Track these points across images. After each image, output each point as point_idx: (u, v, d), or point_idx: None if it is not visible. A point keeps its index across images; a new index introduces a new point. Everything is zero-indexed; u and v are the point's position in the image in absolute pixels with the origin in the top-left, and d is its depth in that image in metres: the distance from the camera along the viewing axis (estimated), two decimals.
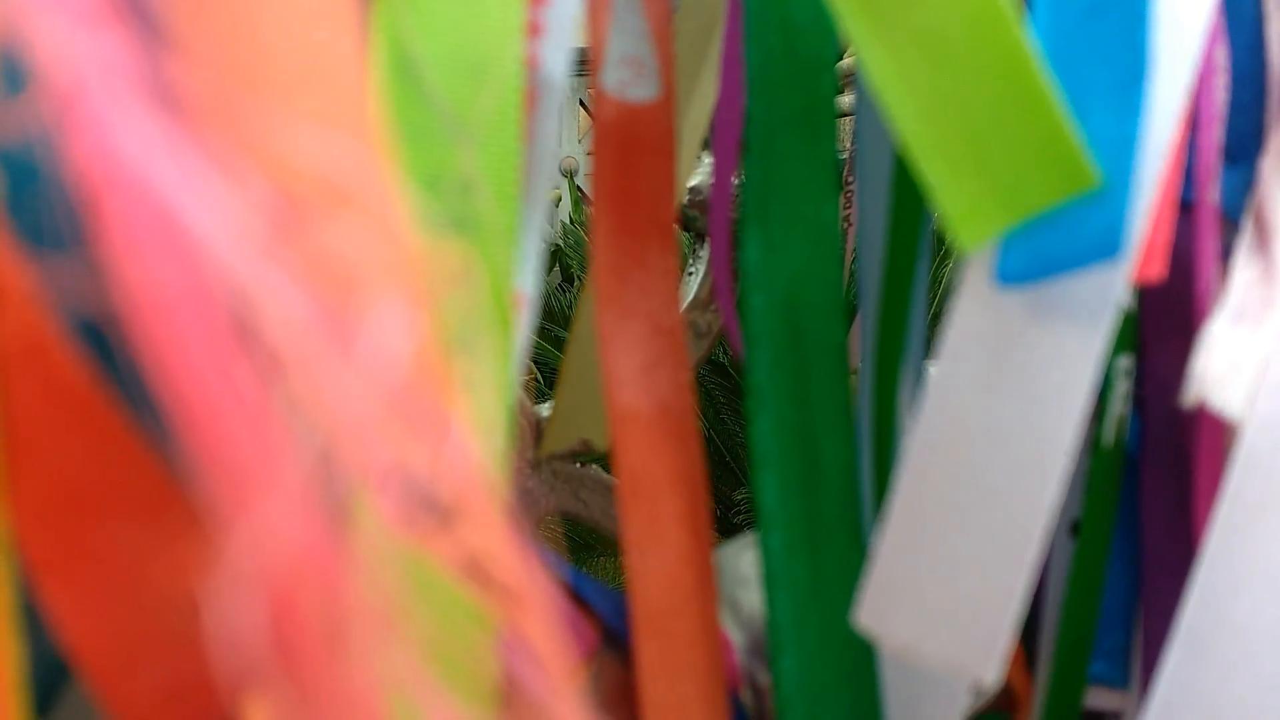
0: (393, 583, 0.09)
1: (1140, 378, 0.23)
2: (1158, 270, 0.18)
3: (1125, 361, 0.23)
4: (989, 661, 0.17)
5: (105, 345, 0.08)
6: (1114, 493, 0.23)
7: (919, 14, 0.15)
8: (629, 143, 0.22)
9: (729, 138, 0.24)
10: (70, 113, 0.08)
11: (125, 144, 0.08)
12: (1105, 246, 0.15)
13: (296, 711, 0.09)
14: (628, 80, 0.22)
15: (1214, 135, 0.22)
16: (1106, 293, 0.16)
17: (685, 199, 0.46)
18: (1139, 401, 0.23)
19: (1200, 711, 0.18)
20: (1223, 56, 0.22)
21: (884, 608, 0.17)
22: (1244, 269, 0.21)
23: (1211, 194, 0.22)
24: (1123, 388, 0.23)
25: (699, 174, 0.45)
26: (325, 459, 0.08)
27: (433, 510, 0.09)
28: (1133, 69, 0.15)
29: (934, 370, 0.17)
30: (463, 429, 0.08)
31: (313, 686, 0.09)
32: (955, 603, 0.17)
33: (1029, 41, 0.15)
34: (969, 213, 0.15)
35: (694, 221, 0.50)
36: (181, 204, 0.07)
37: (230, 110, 0.08)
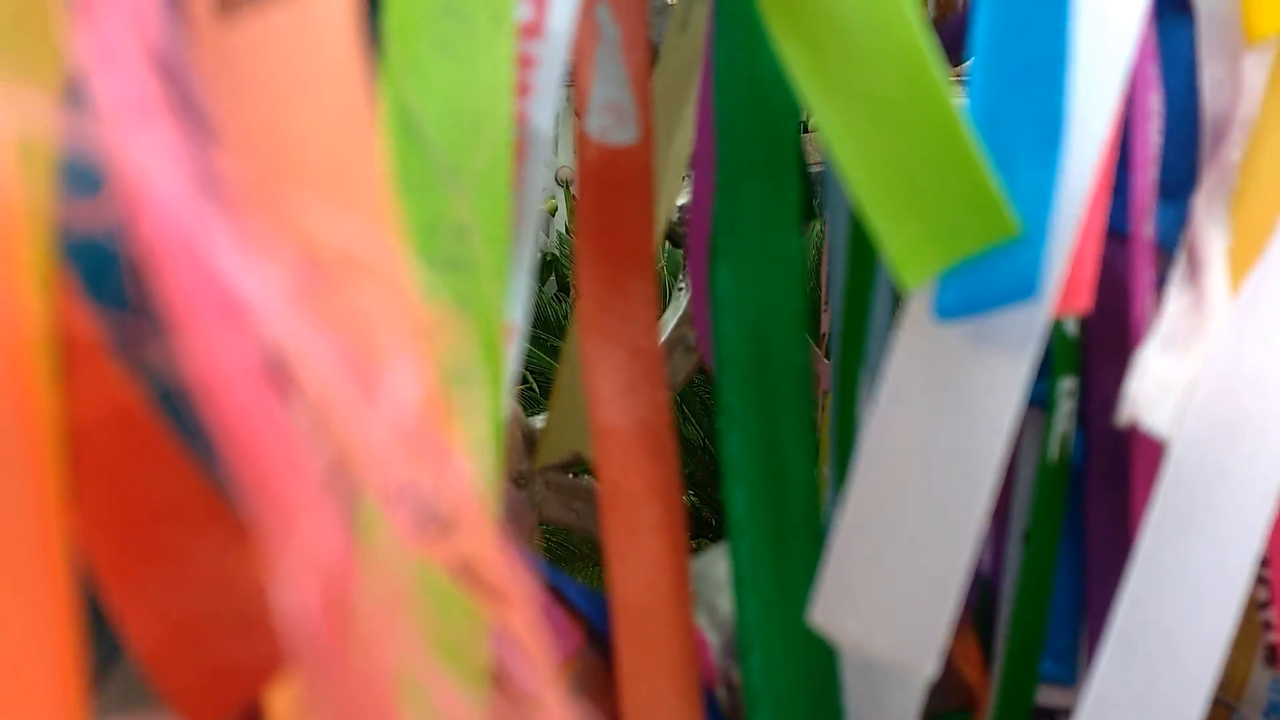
0: (401, 583, 0.11)
1: (1084, 398, 0.25)
2: (1082, 304, 0.19)
3: (1069, 383, 0.25)
4: (928, 655, 0.19)
5: (167, 391, 0.10)
6: (1060, 504, 0.25)
7: (864, 80, 0.17)
8: (610, 182, 0.24)
9: (704, 177, 0.26)
10: (136, 201, 0.10)
11: (182, 225, 0.09)
12: (1025, 287, 0.17)
13: (325, 688, 0.10)
14: (609, 125, 0.24)
15: (1148, 175, 0.24)
16: (1030, 325, 0.18)
17: (675, 217, 0.47)
18: (1083, 419, 0.25)
19: (1130, 707, 0.20)
20: (1157, 102, 0.24)
21: (836, 607, 0.19)
22: (1176, 299, 0.23)
23: (1146, 229, 0.24)
24: (1067, 407, 0.25)
25: (688, 193, 0.47)
26: (348, 483, 0.10)
27: (434, 523, 0.11)
28: (1051, 130, 0.17)
29: (879, 393, 0.19)
30: (460, 454, 0.10)
31: (339, 669, 0.10)
32: (898, 602, 0.19)
33: (958, 106, 0.17)
34: (907, 255, 0.17)
35: (684, 238, 0.52)
36: (230, 275, 0.09)
37: (266, 195, 0.10)
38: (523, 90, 0.19)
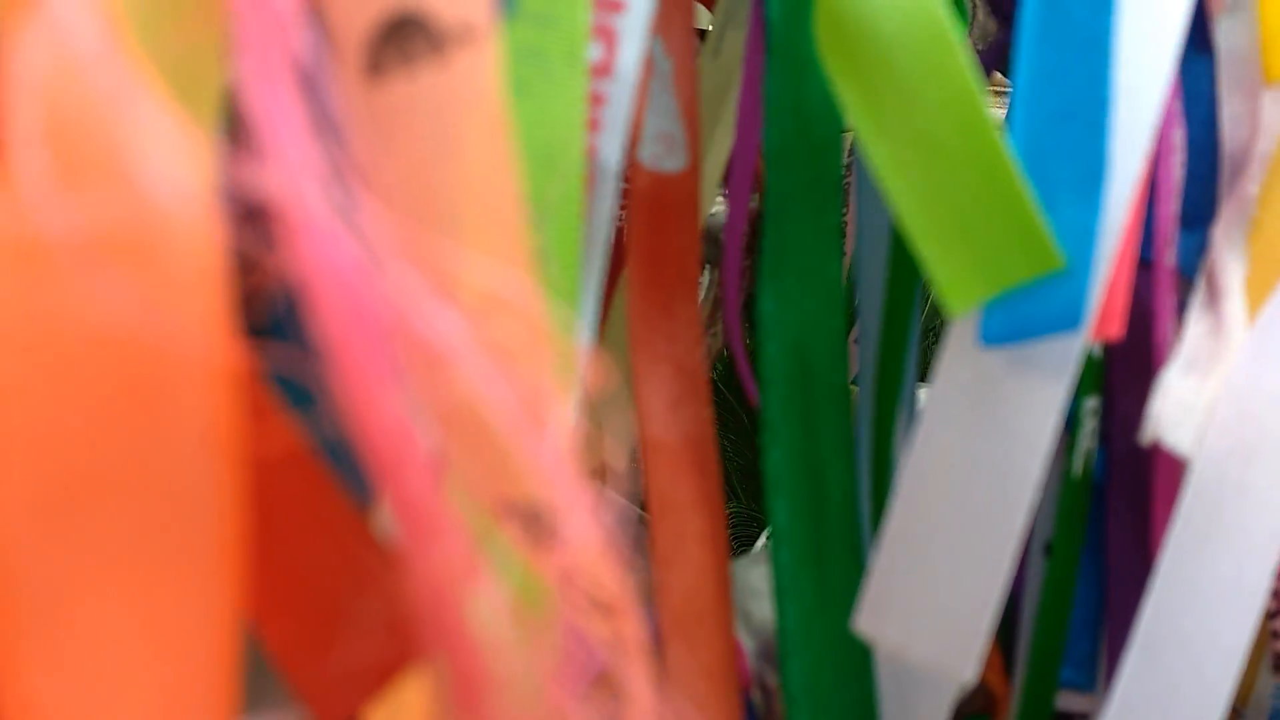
0: (512, 591, 0.12)
1: (1106, 417, 0.26)
2: (1115, 331, 0.21)
3: (1092, 403, 0.26)
4: (968, 662, 0.20)
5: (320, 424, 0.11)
6: (1083, 518, 0.26)
7: (918, 120, 0.18)
8: (660, 208, 0.25)
9: (740, 201, 0.28)
10: (306, 248, 0.11)
11: (353, 268, 0.11)
12: (1069, 318, 0.18)
13: (452, 685, 0.12)
14: (660, 154, 0.25)
15: (1171, 206, 0.25)
16: (1069, 351, 0.20)
17: None
18: (1105, 438, 0.27)
19: (1152, 713, 0.22)
20: (1180, 137, 0.25)
21: (880, 615, 0.21)
22: (1196, 324, 0.25)
23: (1169, 257, 0.25)
24: (1090, 425, 0.26)
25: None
26: (477, 501, 0.11)
27: (550, 534, 0.12)
28: (1093, 170, 0.18)
29: (923, 412, 0.20)
30: (583, 478, 0.11)
31: (466, 668, 0.12)
32: (940, 611, 0.20)
33: (1007, 146, 0.18)
34: (955, 284, 0.18)
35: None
36: (410, 313, 0.10)
37: (418, 242, 0.11)
38: (593, 126, 0.20)
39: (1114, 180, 0.19)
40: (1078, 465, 0.26)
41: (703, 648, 0.25)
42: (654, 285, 0.25)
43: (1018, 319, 0.18)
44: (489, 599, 0.12)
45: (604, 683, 0.13)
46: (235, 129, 0.11)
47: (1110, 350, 0.26)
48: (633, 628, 0.13)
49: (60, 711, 0.10)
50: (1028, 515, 0.20)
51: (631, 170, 0.25)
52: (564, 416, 0.11)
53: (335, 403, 0.11)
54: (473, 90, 0.11)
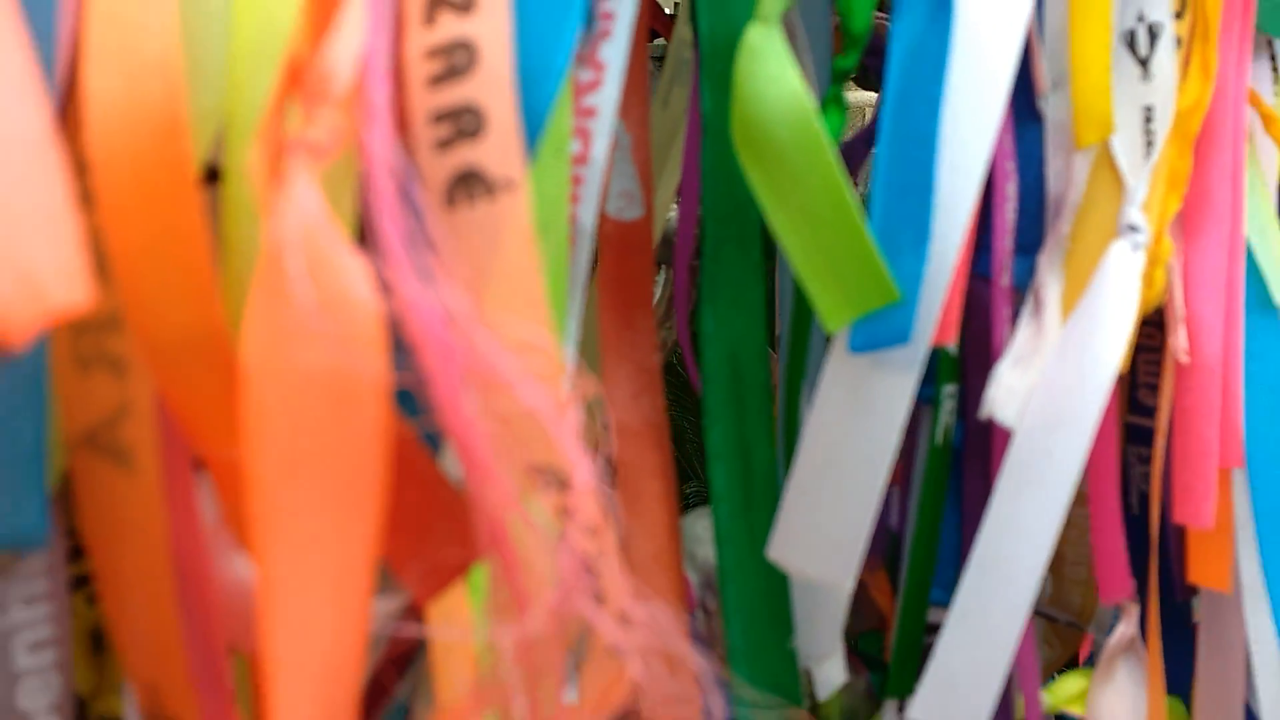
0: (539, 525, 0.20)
1: (962, 399, 0.35)
2: (950, 338, 0.29)
3: (950, 389, 0.34)
4: (847, 576, 0.28)
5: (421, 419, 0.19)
6: (945, 475, 0.34)
7: (799, 196, 0.26)
8: (623, 248, 0.33)
9: (688, 237, 0.36)
10: (413, 316, 0.18)
11: (448, 330, 0.18)
12: (902, 335, 0.26)
13: (504, 576, 0.19)
14: (623, 207, 0.33)
15: (1006, 241, 0.33)
16: (914, 354, 0.28)
17: None
18: (962, 415, 0.35)
19: (979, 613, 0.30)
20: (1013, 189, 0.33)
21: (786, 546, 0.29)
22: (1024, 328, 0.33)
23: (1005, 278, 0.33)
24: (949, 406, 0.34)
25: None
26: (528, 469, 0.19)
27: (563, 485, 0.20)
28: (922, 233, 0.26)
29: (815, 399, 0.29)
30: (584, 452, 0.19)
31: (512, 562, 0.19)
32: (827, 540, 0.28)
33: (862, 215, 0.26)
34: (829, 311, 0.26)
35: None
36: (476, 351, 0.18)
37: (480, 308, 0.19)
38: (574, 200, 0.27)
39: (946, 232, 0.27)
40: (939, 435, 0.34)
41: (657, 580, 0.33)
42: (618, 304, 0.33)
43: (871, 334, 0.27)
44: (523, 522, 0.20)
45: (593, 575, 0.21)
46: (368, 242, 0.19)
47: (964, 349, 0.34)
48: (611, 543, 0.21)
49: (285, 588, 0.18)
50: (887, 471, 0.28)
51: (601, 220, 0.32)
52: (572, 413, 0.18)
53: (432, 407, 0.19)
54: (512, 216, 0.19)
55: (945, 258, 0.28)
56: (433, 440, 0.20)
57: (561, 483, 0.20)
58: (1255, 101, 0.35)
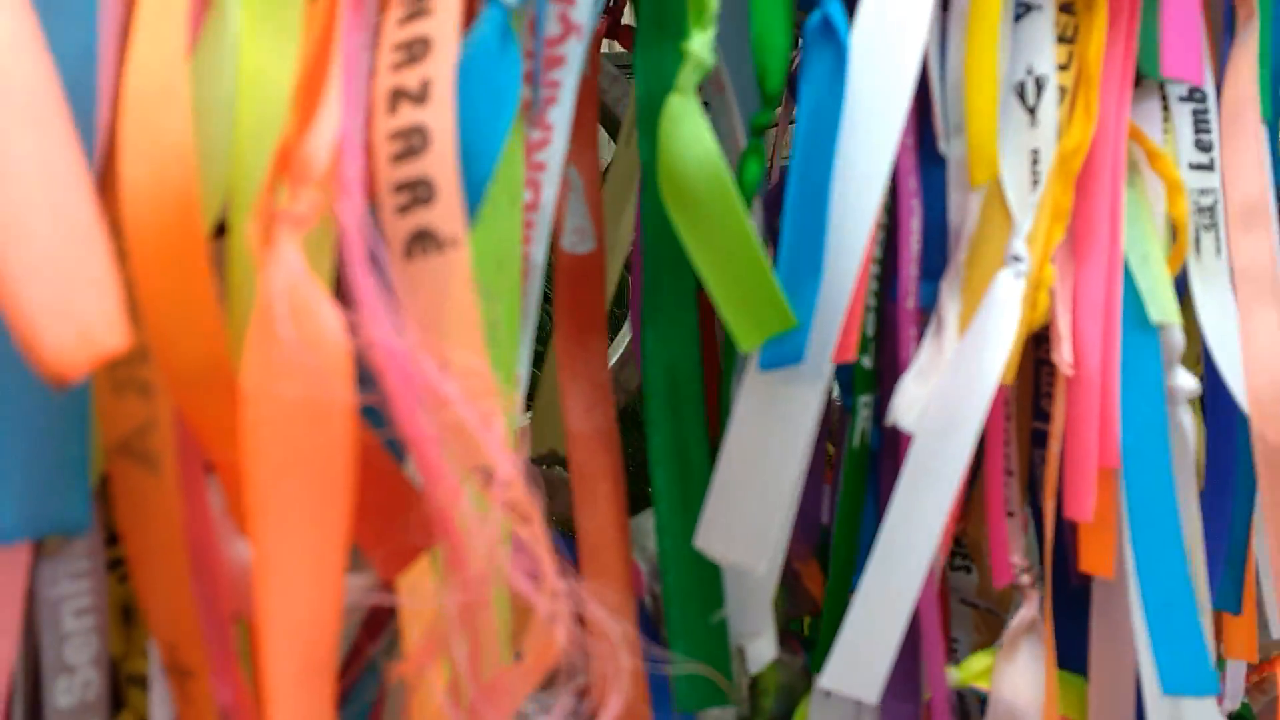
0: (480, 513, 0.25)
1: (877, 408, 0.39)
2: (849, 357, 0.33)
3: (866, 398, 0.39)
4: (762, 561, 0.33)
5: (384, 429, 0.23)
6: (863, 475, 0.39)
7: (714, 237, 0.31)
8: (576, 278, 0.37)
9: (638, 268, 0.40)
10: (379, 351, 0.23)
11: (406, 363, 0.23)
12: (797, 356, 0.31)
13: (452, 557, 0.24)
14: (576, 241, 0.37)
15: (911, 268, 0.38)
16: (819, 370, 0.32)
17: None
18: (878, 422, 0.40)
19: (879, 595, 0.35)
20: (917, 223, 0.38)
21: (709, 536, 0.33)
22: (927, 345, 0.38)
23: (910, 301, 0.38)
24: (865, 413, 0.39)
25: None
26: (464, 467, 0.24)
27: (503, 484, 0.25)
28: (815, 269, 0.31)
29: (734, 410, 0.33)
30: (512, 453, 0.24)
31: (459, 547, 0.24)
32: (745, 532, 0.33)
33: (766, 255, 0.31)
34: (741, 335, 0.31)
35: None
36: (427, 377, 0.23)
37: (432, 344, 0.24)
38: (527, 240, 0.32)
39: (843, 267, 0.32)
40: (857, 440, 0.39)
41: (608, 567, 0.37)
42: (573, 327, 0.38)
43: (775, 354, 0.31)
44: (466, 512, 0.25)
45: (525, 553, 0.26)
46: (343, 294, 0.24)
47: (877, 364, 0.39)
48: (541, 531, 0.25)
49: (274, 566, 0.23)
50: (798, 469, 0.33)
51: (558, 254, 0.37)
52: (504, 424, 0.23)
53: (394, 421, 0.23)
54: (457, 267, 0.24)
55: (842, 289, 0.33)
56: (395, 447, 0.25)
57: (494, 479, 0.25)
58: (1141, 139, 0.40)
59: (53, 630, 0.24)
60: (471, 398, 0.23)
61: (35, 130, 0.19)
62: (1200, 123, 0.42)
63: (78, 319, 0.19)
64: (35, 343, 0.18)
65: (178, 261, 0.21)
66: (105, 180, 0.23)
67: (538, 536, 0.25)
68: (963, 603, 0.47)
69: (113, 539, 0.25)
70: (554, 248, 0.38)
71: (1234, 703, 0.52)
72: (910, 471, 0.35)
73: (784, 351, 0.31)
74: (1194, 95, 0.42)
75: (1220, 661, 0.51)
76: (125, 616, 0.27)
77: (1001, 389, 0.37)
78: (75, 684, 0.24)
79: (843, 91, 0.32)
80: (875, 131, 0.33)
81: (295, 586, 0.23)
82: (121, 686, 0.27)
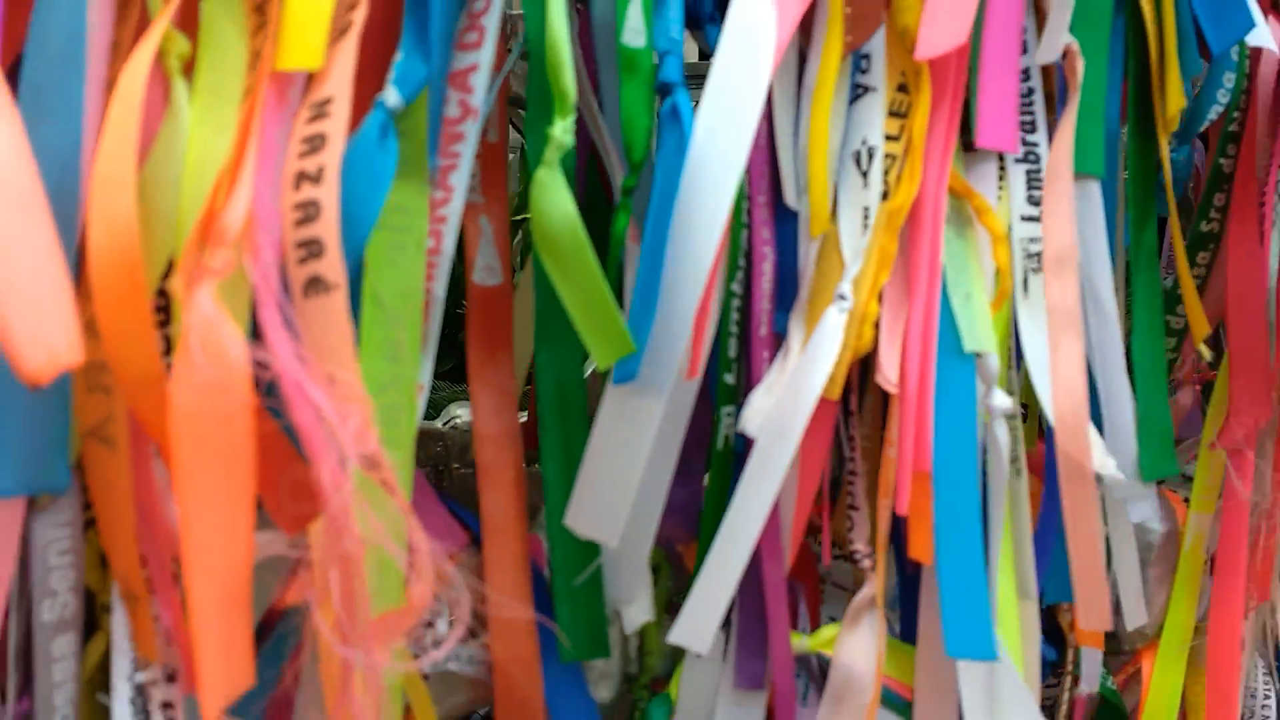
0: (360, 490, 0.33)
1: (739, 416, 0.47)
2: (695, 374, 0.41)
3: (729, 409, 0.47)
4: (614, 538, 0.41)
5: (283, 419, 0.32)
6: (727, 473, 0.47)
7: (571, 278, 0.39)
8: (485, 306, 0.46)
9: None
10: (282, 370, 0.32)
11: (302, 381, 0.32)
12: (633, 375, 0.39)
13: (335, 525, 0.32)
14: (485, 276, 0.46)
15: (763, 302, 0.46)
16: (660, 385, 0.40)
17: None
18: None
19: (722, 567, 0.42)
20: (770, 266, 0.46)
21: (575, 517, 0.41)
22: (775, 367, 0.45)
23: (764, 329, 0.46)
24: (728, 421, 0.47)
25: None
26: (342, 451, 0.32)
27: (372, 465, 0.33)
28: (651, 308, 0.39)
29: (597, 417, 0.41)
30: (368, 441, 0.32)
31: (343, 517, 0.32)
32: (601, 515, 0.41)
33: (612, 296, 0.39)
34: (596, 356, 0.39)
35: None
36: (310, 392, 0.31)
37: (320, 365, 0.32)
38: (430, 278, 0.41)
39: (684, 303, 0.40)
40: (720, 443, 0.47)
41: (507, 545, 0.46)
42: (482, 345, 0.46)
43: (621, 373, 0.39)
44: (350, 488, 0.33)
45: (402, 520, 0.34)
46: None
47: (739, 380, 0.47)
48: (404, 501, 0.34)
49: (195, 524, 0.31)
50: (641, 466, 0.41)
51: (470, 287, 0.46)
52: (363, 419, 0.32)
53: (293, 415, 0.32)
54: (338, 304, 0.32)
55: (684, 321, 0.40)
56: (291, 433, 0.33)
57: (372, 462, 0.33)
58: (972, 197, 0.47)
59: (41, 564, 0.33)
60: (339, 400, 0.31)
61: (20, 212, 0.28)
62: (1033, 181, 0.49)
63: (47, 342, 0.27)
64: (17, 358, 0.27)
65: (126, 302, 0.30)
66: (83, 242, 0.31)
67: (403, 506, 0.34)
68: (835, 586, 0.54)
69: (88, 505, 0.34)
70: (468, 281, 0.46)
71: (1091, 686, 0.59)
72: (749, 470, 0.43)
73: (628, 370, 0.39)
74: (1029, 157, 0.49)
75: (1076, 651, 0.58)
76: (101, 563, 0.36)
77: (831, 404, 0.45)
78: (56, 605, 0.33)
79: (683, 165, 0.40)
80: (713, 196, 0.41)
81: (211, 537, 0.31)
82: (97, 614, 0.36)
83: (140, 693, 0.33)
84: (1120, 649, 0.63)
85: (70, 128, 0.32)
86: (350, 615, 0.33)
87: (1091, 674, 0.58)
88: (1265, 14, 0.55)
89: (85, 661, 0.34)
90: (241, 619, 0.32)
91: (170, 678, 0.34)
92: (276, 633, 0.38)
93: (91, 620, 0.35)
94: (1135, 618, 0.58)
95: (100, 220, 0.30)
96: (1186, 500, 0.61)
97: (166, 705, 0.33)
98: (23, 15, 0.32)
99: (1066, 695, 0.59)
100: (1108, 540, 0.57)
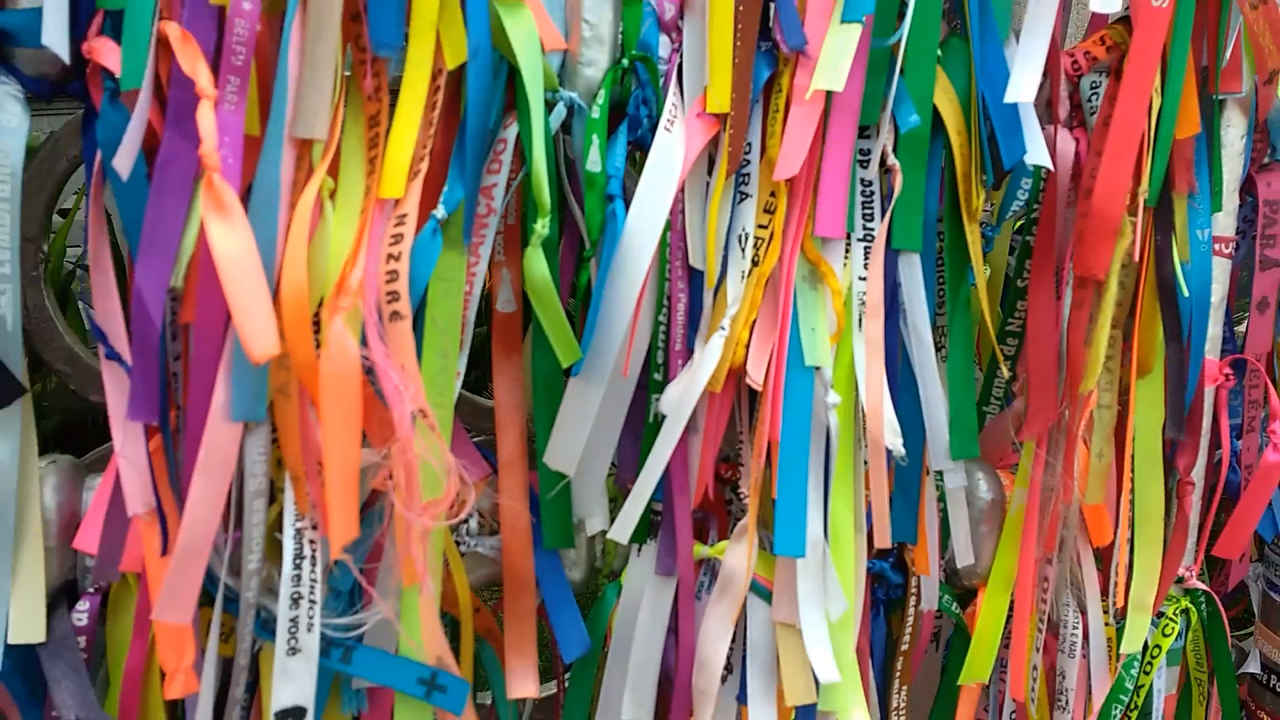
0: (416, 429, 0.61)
1: None
2: (625, 373, 0.68)
3: (657, 396, 0.73)
4: (571, 470, 0.67)
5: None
6: (653, 438, 0.73)
7: (545, 313, 0.66)
8: (505, 325, 0.73)
9: None
10: (380, 367, 0.59)
11: (383, 364, 0.59)
12: (578, 370, 0.65)
13: (401, 451, 0.59)
14: (505, 305, 0.73)
15: (678, 328, 0.72)
16: (600, 377, 0.67)
17: None
18: None
19: (641, 491, 0.69)
20: (683, 304, 0.72)
21: (550, 458, 0.68)
22: (684, 370, 0.72)
23: (678, 345, 0.72)
24: (656, 403, 0.73)
25: None
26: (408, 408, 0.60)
27: (424, 415, 0.60)
28: (590, 331, 0.65)
29: (564, 396, 0.68)
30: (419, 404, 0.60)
31: (406, 448, 0.59)
32: (566, 456, 0.68)
33: (568, 324, 0.65)
34: (561, 356, 0.66)
35: None
36: (390, 371, 0.59)
37: (395, 360, 0.60)
38: (465, 308, 0.68)
39: (616, 326, 0.66)
40: (651, 417, 0.73)
41: (515, 473, 0.73)
42: (503, 350, 0.73)
43: (575, 368, 0.66)
44: (410, 426, 0.61)
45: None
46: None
47: (664, 377, 0.73)
48: (443, 437, 0.61)
49: (331, 441, 0.59)
50: (590, 426, 0.67)
51: (494, 313, 0.73)
52: (421, 393, 0.59)
53: (381, 384, 0.59)
54: (406, 329, 0.60)
55: (615, 338, 0.67)
56: (380, 395, 0.61)
57: (423, 413, 0.61)
58: (821, 264, 0.72)
59: (250, 459, 0.61)
60: (405, 377, 0.59)
61: (251, 274, 0.56)
62: (868, 253, 0.74)
63: (262, 342, 0.56)
64: (249, 349, 0.55)
65: (298, 323, 0.58)
66: (277, 289, 0.60)
67: (439, 438, 0.61)
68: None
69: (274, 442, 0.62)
70: (493, 309, 0.74)
71: (930, 605, 0.83)
72: (661, 433, 0.69)
73: (577, 368, 0.66)
74: (867, 237, 0.74)
75: (917, 579, 0.82)
76: (278, 463, 0.64)
77: (719, 395, 0.71)
78: (255, 481, 0.61)
79: (616, 244, 0.66)
80: (635, 262, 0.67)
81: (338, 449, 0.59)
82: (273, 491, 0.64)
83: (298, 534, 0.62)
84: (961, 584, 0.86)
85: (272, 229, 0.60)
86: (410, 498, 0.61)
87: (930, 595, 0.82)
88: (1058, 126, 0.79)
89: (269, 515, 0.63)
90: (352, 495, 0.60)
91: (314, 526, 0.62)
92: (371, 507, 0.66)
93: (271, 494, 0.64)
94: (964, 557, 0.82)
95: (288, 279, 0.59)
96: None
97: (312, 542, 0.62)
98: (251, 167, 0.61)
99: (912, 610, 0.83)
100: (943, 498, 0.81)
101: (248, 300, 0.56)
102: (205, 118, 0.56)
